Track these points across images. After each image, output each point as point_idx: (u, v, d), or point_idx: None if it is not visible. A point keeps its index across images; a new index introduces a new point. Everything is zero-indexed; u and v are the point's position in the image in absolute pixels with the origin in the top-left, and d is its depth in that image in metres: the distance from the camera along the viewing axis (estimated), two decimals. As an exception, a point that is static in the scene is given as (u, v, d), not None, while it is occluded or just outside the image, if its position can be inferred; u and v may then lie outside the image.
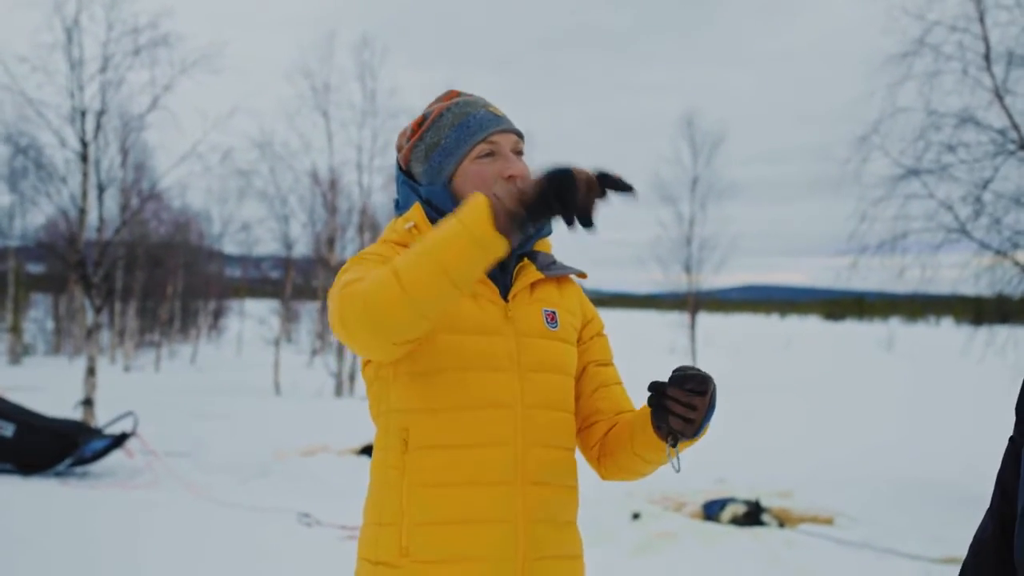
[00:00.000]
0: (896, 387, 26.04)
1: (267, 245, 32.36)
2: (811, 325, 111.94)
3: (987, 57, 11.22)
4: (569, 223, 1.75)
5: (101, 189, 14.30)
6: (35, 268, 40.90)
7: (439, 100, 2.28)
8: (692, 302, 29.59)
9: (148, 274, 35.30)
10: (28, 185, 29.46)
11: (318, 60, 25.91)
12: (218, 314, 52.93)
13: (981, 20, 11.23)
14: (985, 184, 11.24)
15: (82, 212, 14.09)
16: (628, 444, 2.18)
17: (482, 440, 2.04)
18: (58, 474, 10.59)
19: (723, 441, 14.64)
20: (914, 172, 11.61)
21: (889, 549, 8.04)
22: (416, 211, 2.16)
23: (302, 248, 28.60)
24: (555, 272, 2.24)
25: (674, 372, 1.97)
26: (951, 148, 11.39)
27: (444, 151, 2.17)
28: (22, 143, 15.60)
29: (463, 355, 2.05)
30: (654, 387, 1.98)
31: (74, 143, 14.04)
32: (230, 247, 40.95)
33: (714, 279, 30.71)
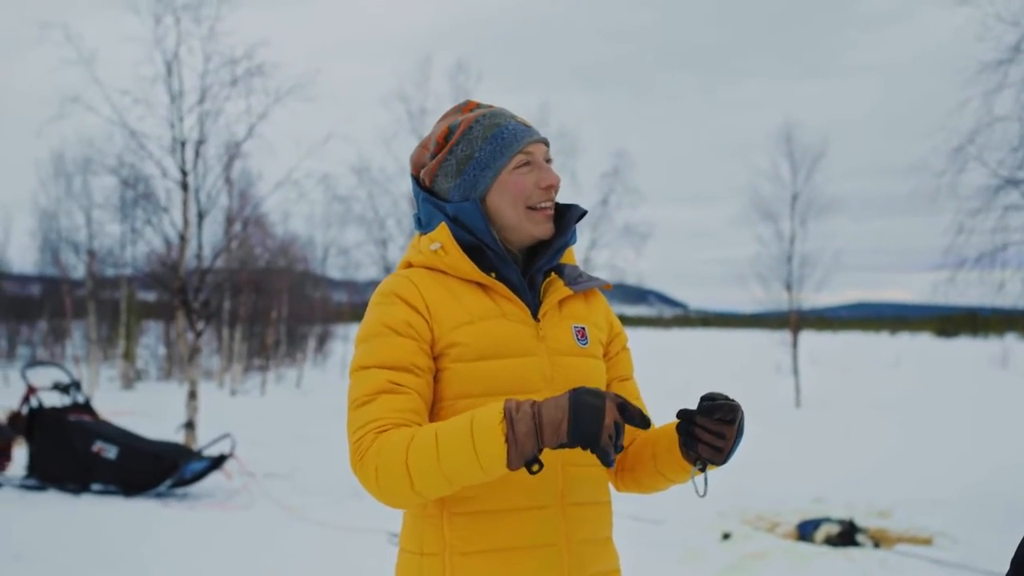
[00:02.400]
0: (1008, 405, 25.22)
1: (368, 269, 32.77)
2: (922, 342, 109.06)
3: (1086, 62, 10.90)
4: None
5: (201, 217, 14.66)
6: (147, 295, 42.02)
7: (457, 111, 2.25)
8: (794, 320, 29.12)
9: (254, 299, 35.97)
10: (136, 215, 30.46)
11: (414, 85, 26.12)
12: (324, 338, 53.68)
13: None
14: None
15: (183, 239, 14.49)
16: (651, 462, 2.18)
17: None
18: (159, 495, 10.86)
19: (823, 460, 14.48)
20: (1013, 182, 11.28)
21: (989, 572, 7.80)
22: (442, 231, 2.12)
23: (401, 271, 28.83)
24: (583, 287, 2.21)
25: (702, 400, 1.97)
26: (1051, 157, 11.06)
27: (479, 164, 2.13)
28: (128, 175, 16.08)
29: (499, 379, 2.04)
30: (683, 415, 1.98)
31: (174, 173, 14.48)
32: (334, 272, 41.59)
33: (818, 297, 30.18)
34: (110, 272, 35.64)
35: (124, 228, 32.83)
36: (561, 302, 2.20)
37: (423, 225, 2.22)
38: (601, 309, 2.30)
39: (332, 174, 27.16)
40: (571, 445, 1.79)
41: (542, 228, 2.16)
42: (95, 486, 10.96)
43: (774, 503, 11.00)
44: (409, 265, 2.19)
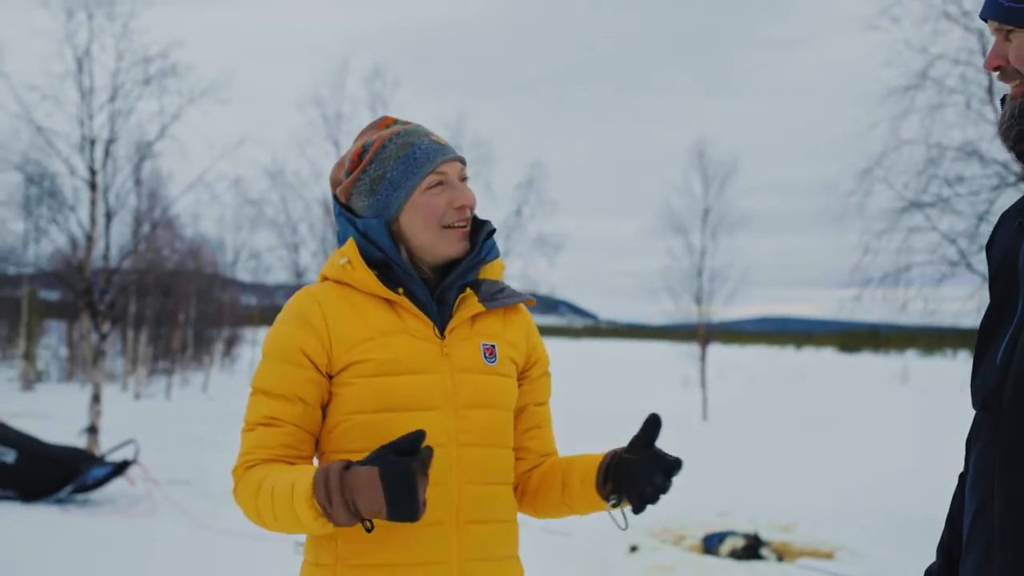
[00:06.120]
0: (908, 420, 25.86)
1: (279, 273, 32.47)
2: (826, 357, 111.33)
3: (989, 90, 11.23)
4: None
5: (109, 217, 14.37)
6: (49, 295, 41.01)
7: (374, 128, 2.23)
8: (703, 333, 29.53)
9: (161, 301, 35.37)
10: (41, 213, 29.69)
11: (329, 89, 25.97)
12: (231, 342, 52.97)
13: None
14: (987, 216, 11.22)
15: (90, 239, 14.18)
16: (558, 492, 2.19)
17: None
18: (59, 501, 10.60)
19: (729, 473, 14.66)
20: (917, 205, 11.59)
21: (888, 584, 7.98)
22: (350, 247, 2.12)
23: (312, 276, 28.58)
24: (499, 303, 2.18)
25: (650, 425, 2.01)
26: (953, 181, 11.38)
27: (391, 184, 2.11)
28: (33, 172, 15.71)
29: (397, 396, 2.02)
30: (628, 458, 2.03)
31: (83, 171, 14.16)
32: (243, 275, 41.06)
33: (726, 310, 30.68)
34: (11, 270, 34.72)
35: (28, 226, 32.00)
36: (474, 318, 2.16)
37: (340, 240, 2.21)
38: (521, 327, 2.26)
39: (245, 177, 26.86)
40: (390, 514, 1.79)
41: (456, 247, 2.14)
42: (-9, 492, 10.68)
43: (679, 516, 11.10)
44: (325, 279, 2.18)
